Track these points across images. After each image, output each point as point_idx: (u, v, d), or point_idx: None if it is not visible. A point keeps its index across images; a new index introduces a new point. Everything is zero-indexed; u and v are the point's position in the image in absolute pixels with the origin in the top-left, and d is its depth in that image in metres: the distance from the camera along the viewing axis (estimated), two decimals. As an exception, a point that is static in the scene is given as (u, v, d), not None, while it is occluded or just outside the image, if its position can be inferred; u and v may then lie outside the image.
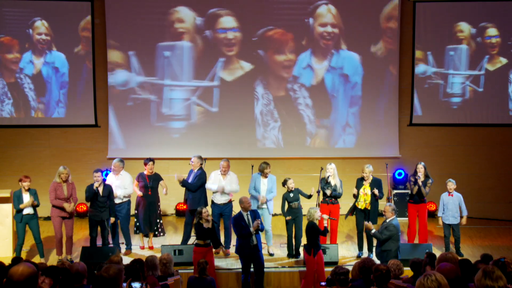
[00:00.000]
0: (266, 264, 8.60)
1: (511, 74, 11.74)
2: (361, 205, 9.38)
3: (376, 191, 9.26)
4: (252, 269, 8.41)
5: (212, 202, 9.61)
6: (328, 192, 9.35)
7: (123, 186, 9.56)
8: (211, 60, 11.52)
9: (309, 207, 8.55)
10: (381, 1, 11.50)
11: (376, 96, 11.72)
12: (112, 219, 9.24)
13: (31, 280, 3.80)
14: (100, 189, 9.11)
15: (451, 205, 9.50)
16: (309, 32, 11.53)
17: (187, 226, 9.62)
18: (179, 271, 7.71)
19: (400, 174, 11.72)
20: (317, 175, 9.82)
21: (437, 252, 8.86)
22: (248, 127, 11.71)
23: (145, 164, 9.69)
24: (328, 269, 8.02)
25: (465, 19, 11.57)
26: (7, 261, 5.98)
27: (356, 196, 9.42)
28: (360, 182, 9.47)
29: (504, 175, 11.92)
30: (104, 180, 9.41)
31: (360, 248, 9.55)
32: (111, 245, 9.29)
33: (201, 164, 9.72)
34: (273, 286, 8.81)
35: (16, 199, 9.00)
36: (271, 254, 9.51)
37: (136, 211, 9.79)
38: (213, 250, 8.60)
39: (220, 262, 9.15)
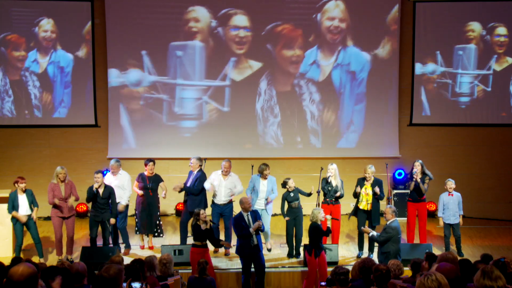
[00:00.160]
0: (266, 264, 8.59)
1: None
2: (363, 205, 9.36)
3: (377, 190, 9.22)
4: (252, 270, 8.40)
5: (213, 202, 9.59)
6: (337, 194, 9.33)
7: (122, 185, 9.57)
8: (223, 59, 11.55)
9: (312, 208, 8.54)
10: (391, 2, 11.50)
11: (377, 96, 11.73)
12: (113, 220, 9.22)
13: (31, 280, 3.80)
14: (100, 190, 9.10)
15: (452, 205, 9.49)
16: (317, 28, 11.57)
17: (182, 224, 9.62)
18: (179, 271, 7.72)
19: (400, 174, 11.73)
20: (317, 175, 9.82)
21: (437, 252, 8.87)
22: (251, 124, 11.75)
23: (145, 165, 9.69)
24: (328, 269, 8.06)
25: (473, 18, 11.56)
26: (7, 261, 5.99)
27: (358, 195, 9.39)
28: (361, 182, 9.44)
29: (504, 175, 11.92)
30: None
31: (361, 248, 9.55)
32: (111, 245, 9.29)
33: (201, 165, 9.69)
34: (273, 286, 8.81)
35: (11, 201, 8.95)
36: (269, 250, 9.56)
37: (136, 211, 9.80)
38: (213, 250, 8.59)
39: (220, 262, 9.14)
